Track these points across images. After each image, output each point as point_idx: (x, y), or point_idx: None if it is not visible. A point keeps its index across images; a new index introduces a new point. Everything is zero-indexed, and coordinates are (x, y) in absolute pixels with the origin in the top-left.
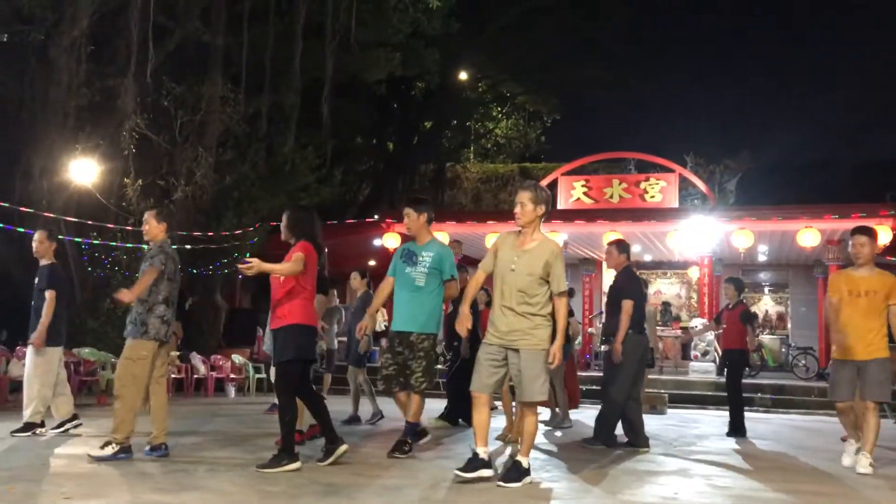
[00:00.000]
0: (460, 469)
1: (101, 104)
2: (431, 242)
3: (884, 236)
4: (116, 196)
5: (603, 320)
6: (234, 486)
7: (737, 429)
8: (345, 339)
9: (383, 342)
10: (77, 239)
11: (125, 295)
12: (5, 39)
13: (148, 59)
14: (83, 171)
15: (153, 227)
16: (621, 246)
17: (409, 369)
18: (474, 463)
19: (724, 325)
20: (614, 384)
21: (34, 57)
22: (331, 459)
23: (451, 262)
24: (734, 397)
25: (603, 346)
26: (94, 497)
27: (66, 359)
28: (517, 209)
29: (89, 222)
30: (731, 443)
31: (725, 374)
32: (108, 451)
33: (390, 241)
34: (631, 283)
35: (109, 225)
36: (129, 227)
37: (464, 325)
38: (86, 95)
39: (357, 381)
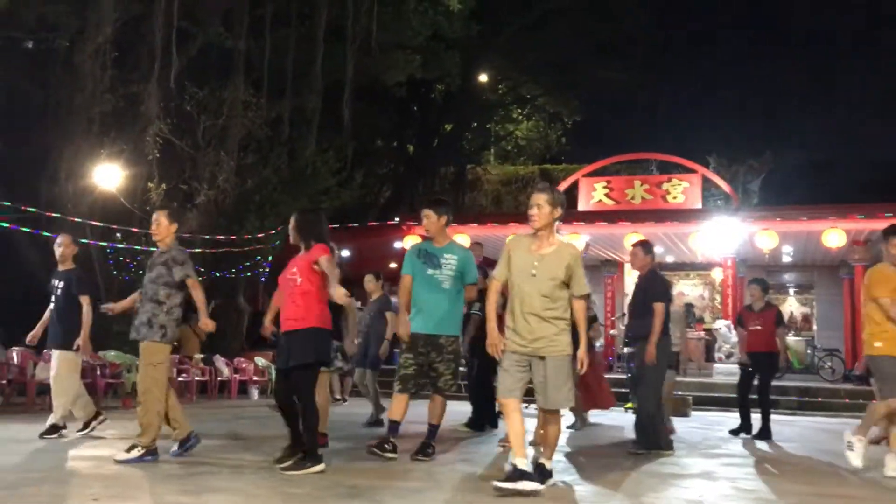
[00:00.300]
0: (500, 481)
1: (125, 110)
2: (451, 245)
3: None
4: (140, 200)
5: (626, 322)
6: (259, 488)
7: (763, 431)
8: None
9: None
10: (102, 243)
11: (212, 325)
12: (30, 46)
13: (171, 65)
14: (108, 175)
15: (164, 228)
16: (647, 247)
17: (436, 371)
18: (515, 475)
19: (759, 327)
20: (645, 387)
21: (59, 63)
22: (288, 464)
23: (474, 265)
24: (764, 401)
25: (626, 349)
26: (121, 499)
27: (93, 362)
28: (533, 211)
29: (114, 226)
30: (757, 445)
31: (756, 377)
32: (134, 453)
33: (411, 243)
34: (660, 286)
35: (134, 229)
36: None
37: (497, 347)
38: (110, 101)
39: (370, 383)
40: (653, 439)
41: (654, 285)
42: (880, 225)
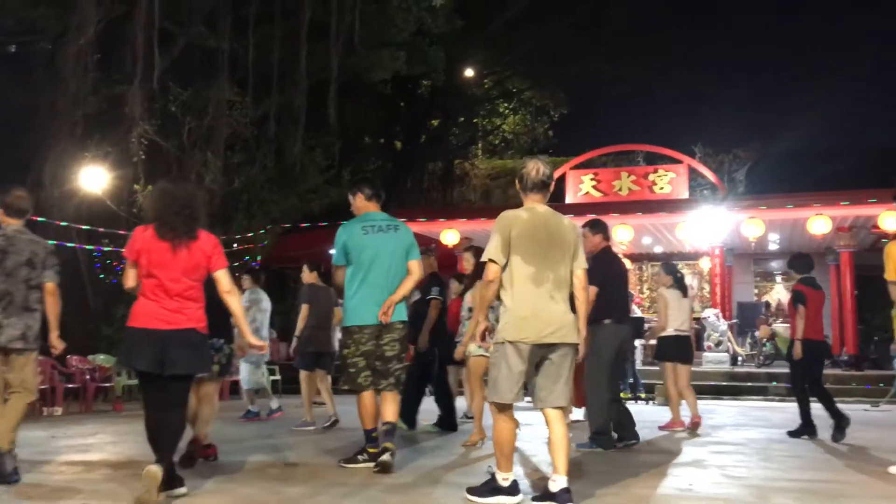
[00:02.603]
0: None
1: (109, 112)
2: None
3: (895, 222)
4: (127, 203)
5: None
6: (252, 488)
7: (839, 428)
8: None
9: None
10: (89, 247)
11: (60, 346)
12: (13, 50)
13: (154, 66)
14: (93, 178)
15: None
16: (595, 226)
17: None
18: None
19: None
20: (590, 378)
21: (42, 67)
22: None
23: (337, 238)
24: (822, 394)
25: None
26: (111, 499)
27: (82, 366)
28: None
29: (101, 230)
30: (747, 433)
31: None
32: None
33: None
34: (597, 268)
35: (121, 231)
36: None
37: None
38: (93, 104)
39: (322, 386)
40: (599, 433)
41: (595, 267)
42: (865, 211)
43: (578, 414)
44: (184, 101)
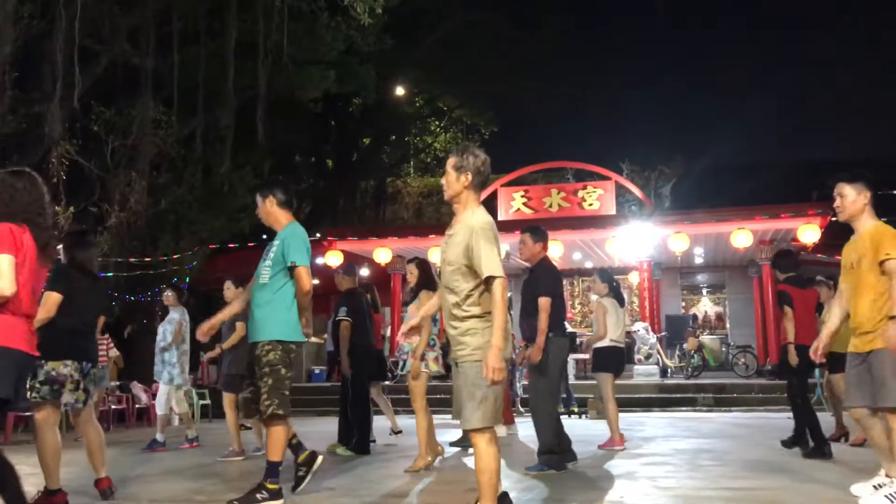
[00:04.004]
0: None
1: (27, 131)
2: (284, 227)
3: (812, 234)
4: None
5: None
6: None
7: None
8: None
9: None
10: None
11: None
12: None
13: (75, 84)
14: None
15: None
16: (536, 233)
17: (259, 391)
18: None
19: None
20: (538, 394)
21: None
22: None
23: (297, 245)
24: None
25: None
26: None
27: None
28: (442, 181)
29: None
30: (676, 444)
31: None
32: None
33: (333, 259)
34: (548, 278)
35: None
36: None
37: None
38: (11, 123)
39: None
40: (548, 452)
41: (544, 277)
42: (784, 225)
43: (501, 431)
44: (107, 121)
